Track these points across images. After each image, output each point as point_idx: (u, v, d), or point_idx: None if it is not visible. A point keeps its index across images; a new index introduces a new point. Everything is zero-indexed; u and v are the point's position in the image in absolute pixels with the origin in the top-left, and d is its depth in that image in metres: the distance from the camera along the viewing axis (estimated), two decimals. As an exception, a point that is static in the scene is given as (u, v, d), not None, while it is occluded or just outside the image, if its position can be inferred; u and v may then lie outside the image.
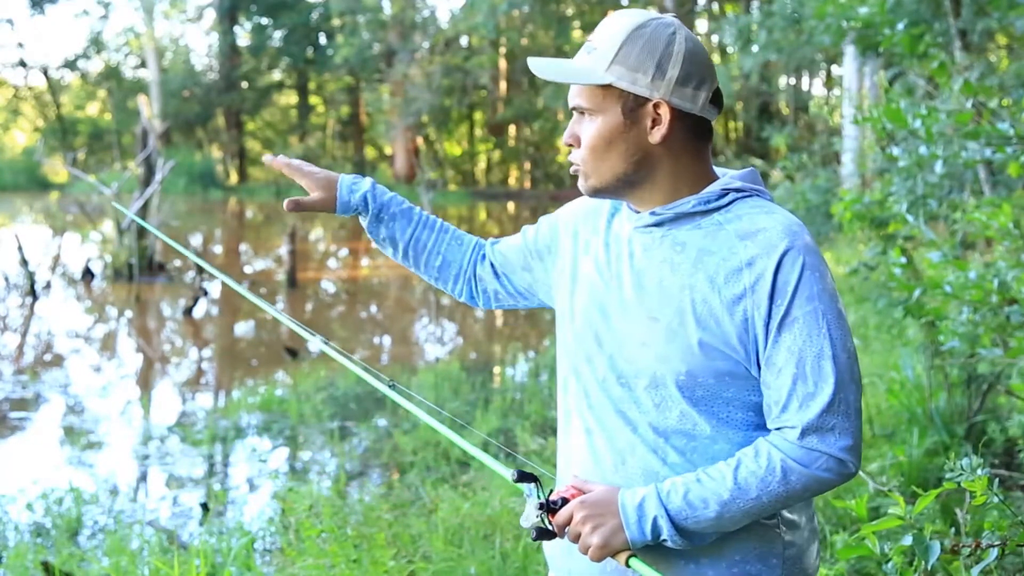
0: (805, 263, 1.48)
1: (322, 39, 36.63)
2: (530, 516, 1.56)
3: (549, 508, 1.55)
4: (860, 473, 1.42)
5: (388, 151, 37.36)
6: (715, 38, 26.43)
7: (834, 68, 25.15)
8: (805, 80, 29.36)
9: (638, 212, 1.62)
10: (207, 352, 9.78)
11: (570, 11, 34.41)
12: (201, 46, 46.06)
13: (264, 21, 36.36)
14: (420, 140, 35.11)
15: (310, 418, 6.53)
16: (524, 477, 1.56)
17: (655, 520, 1.49)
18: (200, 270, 11.85)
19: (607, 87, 1.54)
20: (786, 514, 1.58)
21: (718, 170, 1.64)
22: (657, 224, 1.58)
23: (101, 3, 36.00)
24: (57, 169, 27.30)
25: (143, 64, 35.95)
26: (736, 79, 21.19)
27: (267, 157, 1.84)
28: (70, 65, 36.59)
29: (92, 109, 38.70)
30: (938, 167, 4.25)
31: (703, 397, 1.53)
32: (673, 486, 1.50)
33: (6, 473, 5.54)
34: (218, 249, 18.56)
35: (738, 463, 1.50)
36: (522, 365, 8.57)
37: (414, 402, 1.85)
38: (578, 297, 1.68)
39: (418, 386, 7.03)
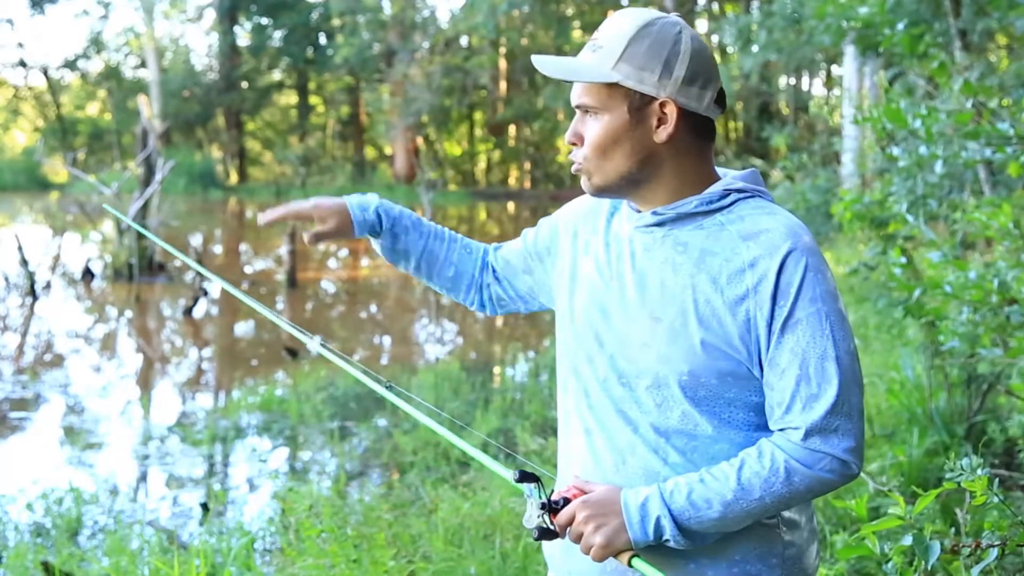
0: (808, 264, 1.48)
1: (322, 39, 36.64)
2: (532, 516, 1.56)
3: (551, 508, 1.54)
4: (860, 473, 1.42)
5: (388, 151, 37.36)
6: (715, 38, 26.40)
7: (834, 68, 25.15)
8: (805, 80, 29.36)
9: (639, 212, 1.61)
10: (207, 352, 9.78)
11: (570, 11, 34.41)
12: (201, 46, 46.07)
13: (264, 21, 36.37)
14: (420, 140, 35.11)
15: (310, 418, 6.53)
16: (525, 477, 1.56)
17: (658, 520, 1.49)
18: (200, 270, 11.84)
19: (613, 85, 1.53)
20: (786, 514, 1.58)
21: (719, 170, 1.63)
22: (659, 224, 1.58)
23: (101, 3, 36.01)
24: (57, 169, 27.29)
25: (143, 64, 35.96)
26: (736, 79, 21.17)
27: (262, 217, 1.81)
28: (70, 65, 36.61)
29: (92, 109, 38.70)
30: (938, 167, 4.25)
31: (705, 397, 1.53)
32: (676, 486, 1.50)
33: (6, 473, 5.54)
34: (218, 249, 18.56)
35: (741, 463, 1.50)
36: (522, 365, 8.57)
37: (412, 404, 1.85)
38: (578, 297, 1.67)
39: (418, 386, 7.03)
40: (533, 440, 5.60)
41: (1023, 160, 3.39)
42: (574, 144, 1.60)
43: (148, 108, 14.50)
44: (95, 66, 37.15)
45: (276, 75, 38.57)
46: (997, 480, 2.44)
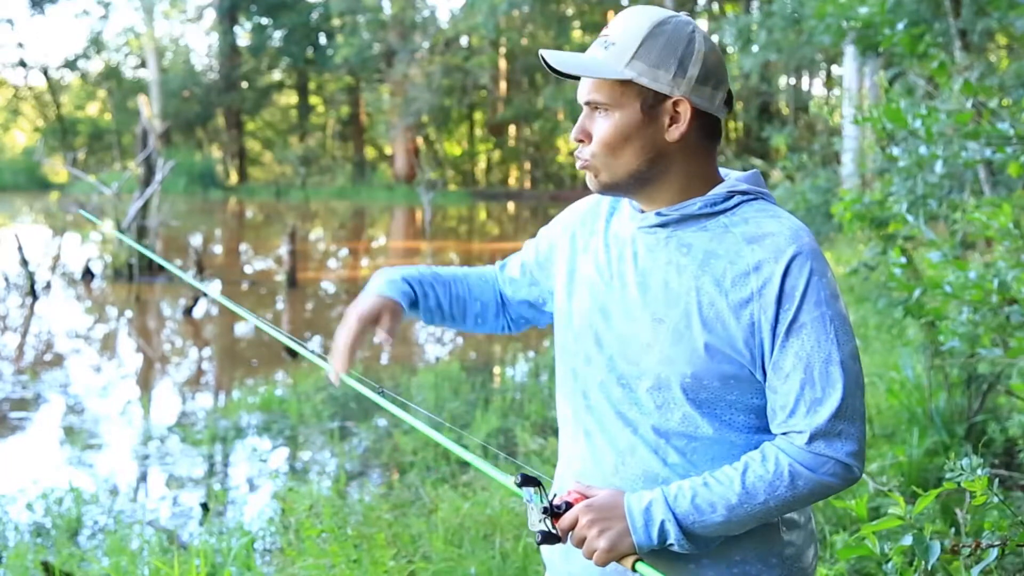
0: (812, 269, 1.48)
1: (322, 39, 36.66)
2: (535, 521, 1.55)
3: (553, 512, 1.53)
4: (862, 476, 1.43)
5: (388, 151, 37.37)
6: (715, 38, 26.42)
7: (834, 68, 25.16)
8: (805, 80, 29.38)
9: (642, 212, 1.61)
10: (207, 352, 9.78)
11: (570, 11, 34.42)
12: (201, 46, 46.15)
13: (264, 21, 36.39)
14: (420, 140, 35.12)
15: (310, 418, 6.53)
16: (528, 481, 1.54)
17: (662, 524, 1.49)
18: (200, 270, 11.85)
19: (626, 83, 1.52)
20: (786, 514, 1.58)
21: (721, 171, 1.63)
22: (662, 225, 1.57)
23: (101, 3, 36.03)
24: (57, 169, 27.30)
25: (143, 64, 35.99)
26: (736, 79, 21.19)
27: (334, 377, 1.72)
28: (70, 65, 36.63)
29: (92, 109, 38.72)
30: (938, 167, 4.25)
31: (707, 400, 1.52)
32: (680, 490, 1.50)
33: (6, 473, 5.54)
34: (218, 249, 18.56)
35: (745, 467, 1.49)
36: (522, 365, 8.58)
37: (409, 411, 1.85)
38: (577, 298, 1.67)
39: (418, 386, 7.03)
40: (533, 440, 5.60)
41: (1023, 160, 3.40)
42: (581, 141, 1.58)
43: (148, 108, 14.50)
44: (95, 66, 37.21)
45: (276, 75, 38.60)
46: (997, 480, 2.44)
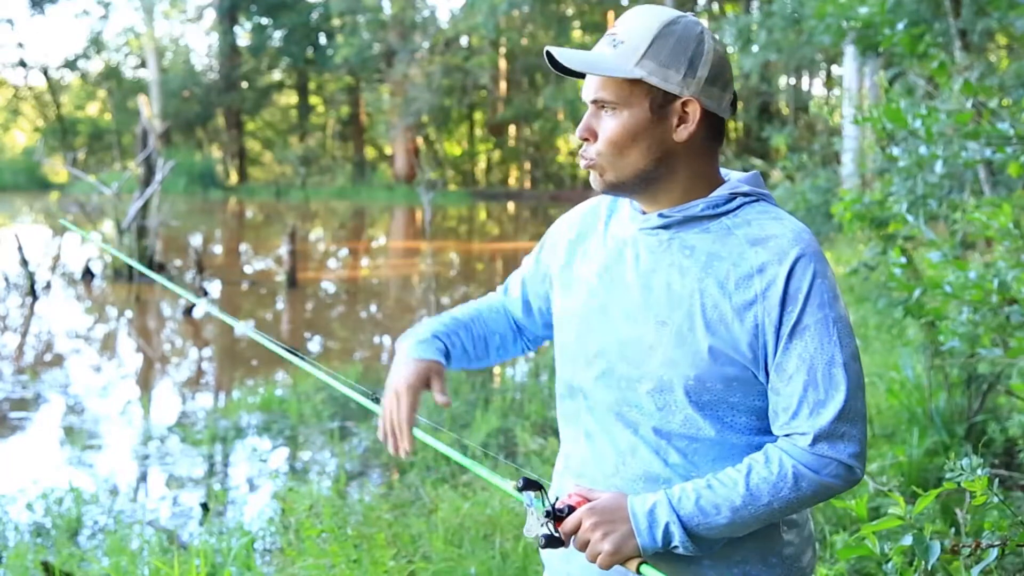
0: (816, 271, 1.49)
1: (322, 39, 36.65)
2: (533, 526, 1.54)
3: (555, 516, 1.52)
4: (863, 477, 1.43)
5: (388, 151, 37.37)
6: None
7: (834, 68, 25.16)
8: (805, 80, 29.38)
9: (644, 213, 1.61)
10: (207, 352, 9.78)
11: (570, 11, 34.41)
12: (201, 46, 46.15)
13: (264, 21, 36.39)
14: (420, 140, 35.11)
15: (310, 418, 6.53)
16: (529, 485, 1.54)
17: (667, 526, 1.48)
18: (200, 270, 11.84)
19: (635, 82, 1.52)
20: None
21: (721, 171, 1.63)
22: (664, 227, 1.57)
23: (101, 3, 36.02)
24: (57, 169, 27.29)
25: (143, 64, 35.98)
26: (736, 79, 21.11)
27: (404, 454, 1.69)
28: (70, 65, 36.62)
29: (92, 109, 38.72)
30: (938, 167, 4.25)
31: (709, 402, 1.52)
32: (683, 492, 1.50)
33: (6, 473, 5.54)
34: (218, 249, 18.56)
35: (749, 469, 1.49)
36: (522, 365, 8.57)
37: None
38: (577, 299, 1.66)
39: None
40: (533, 440, 5.60)
41: (1023, 160, 3.39)
42: (585, 139, 1.57)
43: (148, 108, 14.49)
44: (95, 66, 37.20)
45: (276, 75, 38.59)
46: (997, 480, 2.44)
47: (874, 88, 12.89)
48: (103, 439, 6.33)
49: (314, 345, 9.52)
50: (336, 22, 35.23)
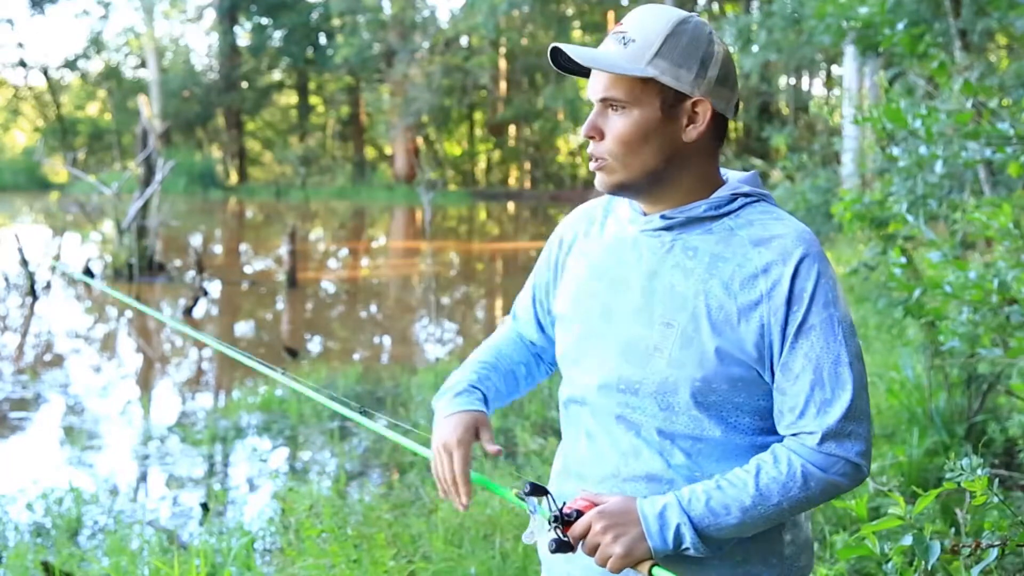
0: (820, 271, 1.49)
1: (322, 39, 36.65)
2: (535, 531, 1.53)
3: (563, 520, 1.51)
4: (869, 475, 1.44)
5: (388, 151, 37.37)
6: (715, 38, 26.37)
7: (834, 68, 25.17)
8: (805, 80, 29.38)
9: (644, 215, 1.60)
10: (207, 352, 9.78)
11: (570, 11, 34.42)
12: (201, 46, 46.15)
13: (264, 21, 36.39)
14: (420, 140, 35.12)
15: (310, 418, 6.53)
16: (536, 491, 1.52)
17: (678, 528, 1.48)
18: (200, 270, 11.85)
19: (647, 81, 1.51)
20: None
21: (720, 172, 1.63)
22: (666, 228, 1.57)
23: (101, 3, 36.02)
24: (57, 169, 27.30)
25: (143, 64, 35.98)
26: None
27: (460, 507, 1.63)
28: (70, 65, 36.62)
29: (92, 109, 38.72)
30: (938, 167, 4.25)
31: (714, 403, 1.52)
32: (693, 494, 1.49)
33: (6, 473, 5.54)
34: (218, 249, 18.56)
35: (758, 469, 1.49)
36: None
37: (396, 428, 1.85)
38: (578, 301, 1.66)
39: (418, 386, 7.02)
40: (533, 440, 5.59)
41: (1023, 160, 3.39)
42: (591, 137, 1.56)
43: (148, 108, 14.49)
44: (95, 66, 37.21)
45: (276, 75, 38.59)
46: (997, 480, 2.44)
47: (874, 88, 12.88)
48: (103, 439, 6.33)
49: (314, 345, 9.51)
50: (336, 22, 35.24)
